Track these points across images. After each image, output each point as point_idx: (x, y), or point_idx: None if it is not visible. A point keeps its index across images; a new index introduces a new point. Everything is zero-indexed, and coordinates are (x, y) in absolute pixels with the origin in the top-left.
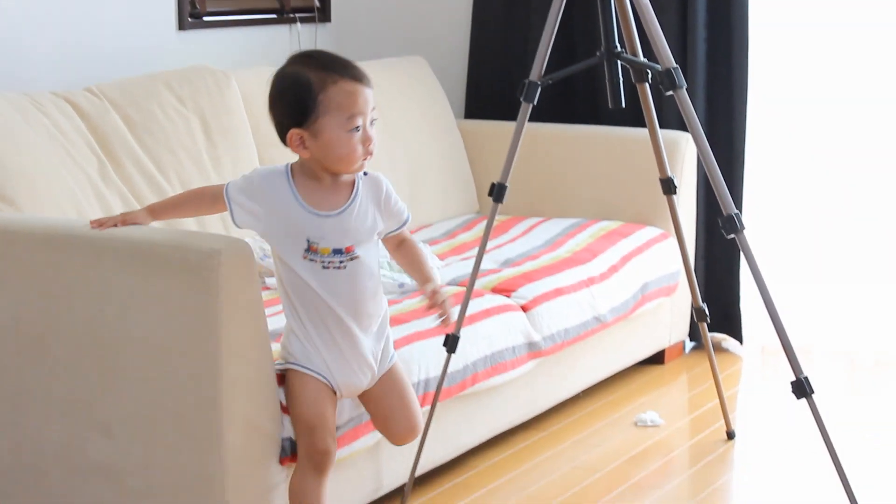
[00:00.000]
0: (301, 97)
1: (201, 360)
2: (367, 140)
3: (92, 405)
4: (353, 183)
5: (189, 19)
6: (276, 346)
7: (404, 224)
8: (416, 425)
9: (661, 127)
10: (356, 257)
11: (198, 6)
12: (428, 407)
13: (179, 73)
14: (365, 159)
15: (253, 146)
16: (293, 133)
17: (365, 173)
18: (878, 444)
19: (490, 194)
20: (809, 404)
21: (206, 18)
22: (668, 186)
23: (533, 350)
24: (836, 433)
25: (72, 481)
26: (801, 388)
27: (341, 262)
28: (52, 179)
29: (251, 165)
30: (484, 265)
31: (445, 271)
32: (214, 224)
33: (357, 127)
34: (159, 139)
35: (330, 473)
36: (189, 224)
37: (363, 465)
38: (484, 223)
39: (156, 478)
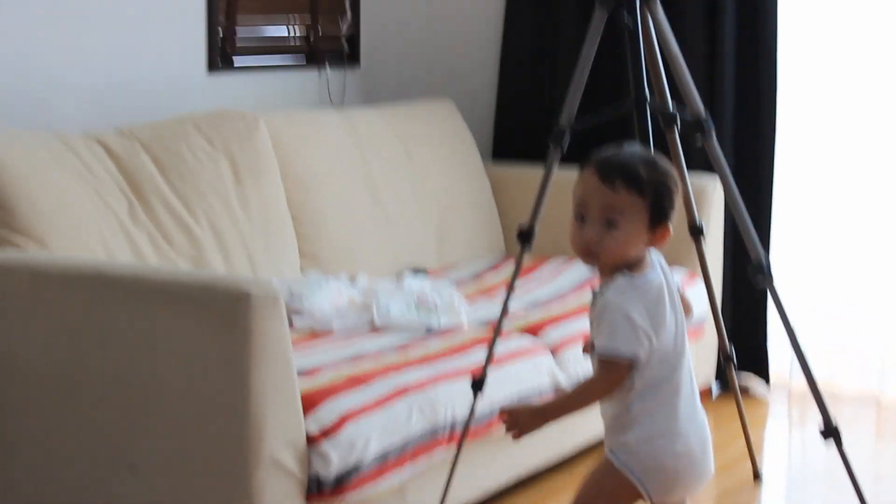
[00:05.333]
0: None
1: (230, 401)
2: (587, 234)
3: (120, 446)
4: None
5: (219, 62)
6: (303, 382)
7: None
8: None
9: (689, 168)
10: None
11: (227, 49)
12: (455, 447)
13: (209, 116)
14: (584, 255)
15: (281, 188)
16: None
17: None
18: None
19: (519, 237)
20: (838, 449)
21: (235, 61)
22: (696, 229)
23: (560, 392)
24: (861, 478)
25: None
26: (831, 433)
27: (591, 357)
28: (82, 219)
29: (280, 207)
30: (512, 306)
31: (472, 312)
32: (242, 264)
33: (581, 216)
34: (188, 180)
35: None
36: (217, 264)
37: None
38: (510, 264)
39: None
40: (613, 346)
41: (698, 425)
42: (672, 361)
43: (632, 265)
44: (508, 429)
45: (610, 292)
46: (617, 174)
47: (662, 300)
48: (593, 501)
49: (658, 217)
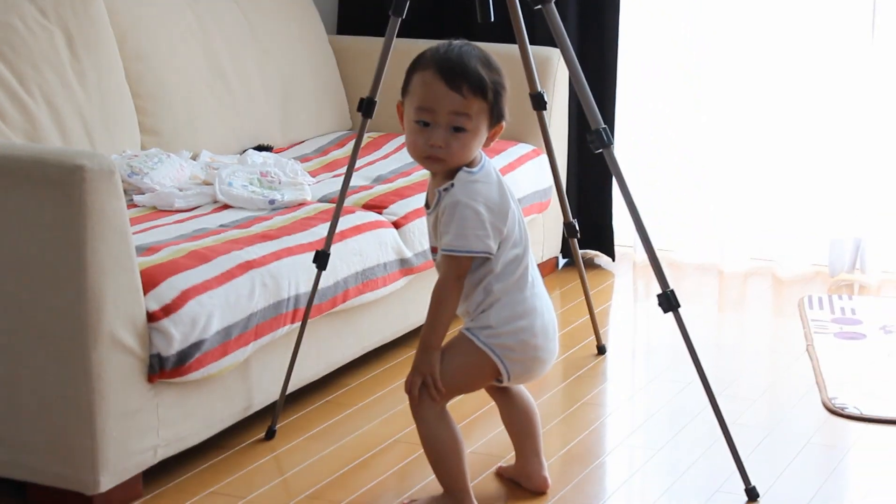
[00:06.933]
0: (408, 70)
1: (66, 279)
2: (434, 139)
3: None
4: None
5: None
6: (143, 259)
7: (444, 250)
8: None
9: (534, 43)
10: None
11: None
12: (299, 323)
13: None
14: (428, 159)
15: (119, 61)
16: (399, 101)
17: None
18: (742, 356)
19: (359, 109)
20: (675, 317)
21: None
22: (539, 102)
23: (405, 267)
24: (702, 346)
25: None
26: (668, 302)
27: (435, 259)
28: None
29: (118, 81)
30: (356, 182)
31: (317, 188)
32: (80, 140)
33: (424, 122)
34: (21, 53)
35: None
36: (54, 140)
37: (233, 382)
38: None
39: (21, 398)
40: (465, 244)
41: (548, 305)
42: (522, 242)
43: (469, 164)
44: (422, 384)
45: (455, 190)
46: (463, 80)
47: (503, 186)
48: (453, 378)
49: (496, 117)
